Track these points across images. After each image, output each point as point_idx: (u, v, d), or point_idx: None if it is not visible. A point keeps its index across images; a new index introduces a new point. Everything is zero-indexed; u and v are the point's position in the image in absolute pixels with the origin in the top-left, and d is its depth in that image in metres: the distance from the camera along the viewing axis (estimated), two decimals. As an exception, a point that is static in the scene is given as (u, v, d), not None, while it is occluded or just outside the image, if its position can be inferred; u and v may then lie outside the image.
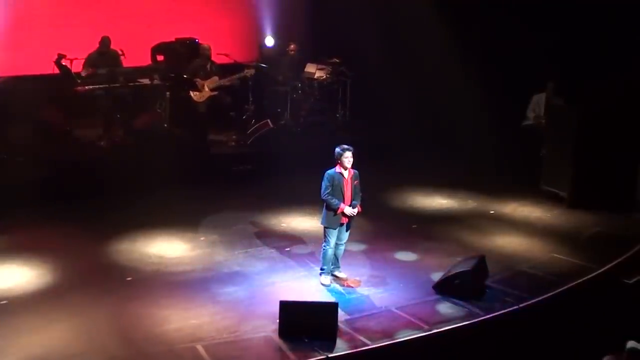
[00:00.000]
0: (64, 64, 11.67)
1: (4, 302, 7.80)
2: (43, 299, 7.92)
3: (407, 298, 8.19)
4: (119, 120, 12.20)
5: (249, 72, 12.74)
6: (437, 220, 10.65)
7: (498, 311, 7.90)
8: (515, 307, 7.99)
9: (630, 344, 6.16)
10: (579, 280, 8.67)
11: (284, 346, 7.10)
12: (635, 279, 8.87)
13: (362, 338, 7.27)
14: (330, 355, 6.94)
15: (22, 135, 11.39)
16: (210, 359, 6.86)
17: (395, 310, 7.89)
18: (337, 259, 8.56)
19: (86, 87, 11.71)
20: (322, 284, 8.42)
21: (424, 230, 10.22)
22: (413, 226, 10.37)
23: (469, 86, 12.95)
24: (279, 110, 13.53)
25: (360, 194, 8.31)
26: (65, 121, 12.06)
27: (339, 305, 7.51)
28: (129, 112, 12.25)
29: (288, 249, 9.46)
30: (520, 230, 10.38)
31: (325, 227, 8.33)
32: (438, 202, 11.48)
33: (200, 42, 13.29)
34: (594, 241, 10.01)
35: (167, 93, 12.31)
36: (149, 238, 9.61)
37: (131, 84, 12.11)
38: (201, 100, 12.47)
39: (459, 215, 10.94)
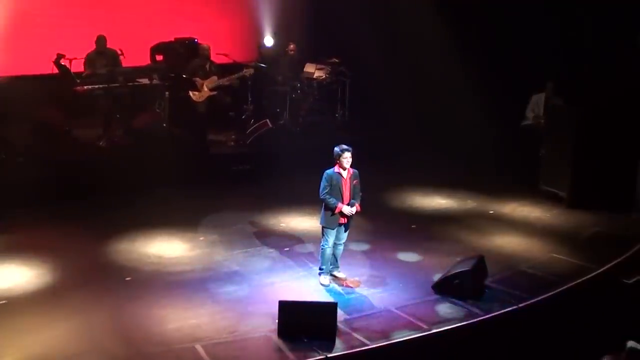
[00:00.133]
0: (63, 63, 11.68)
1: (4, 302, 7.79)
2: (42, 299, 7.91)
3: (406, 298, 8.19)
4: (118, 120, 12.20)
5: (248, 72, 12.74)
6: (436, 220, 10.66)
7: (497, 311, 7.90)
8: (514, 307, 7.99)
9: (630, 344, 6.16)
10: (579, 280, 8.67)
11: (283, 346, 7.09)
12: (634, 279, 8.87)
13: (361, 338, 7.27)
14: (329, 355, 6.94)
15: (21, 135, 11.39)
16: (210, 358, 6.86)
17: (395, 310, 7.89)
18: (336, 259, 8.56)
19: (85, 87, 11.70)
20: (321, 284, 8.42)
21: (424, 230, 10.23)
22: (412, 226, 10.37)
23: (468, 86, 12.94)
24: (278, 110, 13.53)
25: (360, 194, 8.31)
26: (64, 121, 12.05)
27: (338, 305, 7.51)
28: (128, 112, 12.24)
29: (287, 248, 9.46)
30: (519, 230, 10.38)
31: (323, 227, 8.34)
32: (437, 202, 11.49)
33: (199, 42, 13.29)
34: (593, 241, 10.02)
35: (167, 93, 12.29)
36: (148, 238, 9.61)
37: (130, 83, 12.11)
38: (200, 100, 12.46)
39: (458, 215, 10.95)
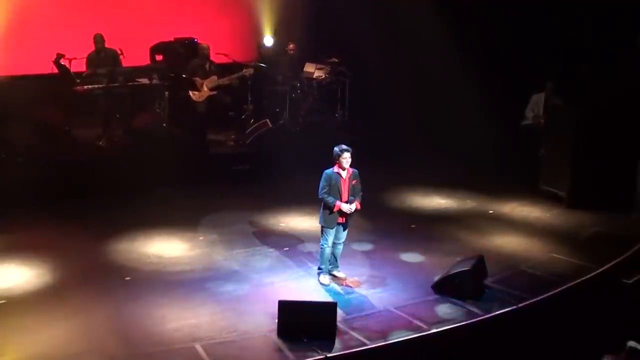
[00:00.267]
0: (62, 63, 11.67)
1: (3, 301, 7.80)
2: (42, 299, 7.91)
3: (406, 298, 8.19)
4: (118, 120, 12.20)
5: (248, 72, 12.73)
6: (436, 220, 10.65)
7: (497, 311, 7.90)
8: (514, 307, 7.99)
9: (630, 344, 6.16)
10: (578, 280, 8.67)
11: (282, 346, 7.09)
12: (634, 279, 8.87)
13: (360, 338, 7.27)
14: (329, 355, 6.93)
15: (21, 135, 11.38)
16: (209, 358, 6.86)
17: (394, 310, 7.89)
18: (336, 259, 8.56)
19: (85, 87, 11.69)
20: (321, 283, 8.42)
21: (423, 230, 10.22)
22: (412, 226, 10.37)
23: (468, 86, 12.94)
24: (277, 109, 13.53)
25: (361, 193, 8.31)
26: (64, 121, 12.04)
27: (338, 305, 7.50)
28: (128, 112, 12.25)
29: (287, 248, 9.45)
30: (519, 230, 10.38)
31: (322, 227, 8.34)
32: (437, 201, 11.49)
33: (199, 41, 13.27)
34: (593, 241, 10.01)
35: (166, 93, 12.29)
36: (148, 237, 9.61)
37: (130, 83, 12.11)
38: (200, 99, 12.46)
39: (458, 215, 10.94)
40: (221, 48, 13.11)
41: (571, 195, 11.15)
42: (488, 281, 8.55)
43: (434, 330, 7.49)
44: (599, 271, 8.94)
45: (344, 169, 8.18)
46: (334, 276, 8.55)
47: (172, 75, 12.57)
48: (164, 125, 12.28)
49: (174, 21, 14.16)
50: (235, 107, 13.22)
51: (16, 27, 12.49)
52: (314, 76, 13.90)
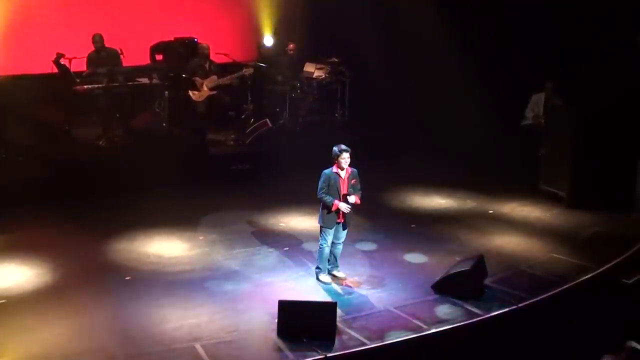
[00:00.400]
0: (62, 63, 11.66)
1: (3, 301, 7.80)
2: (42, 298, 7.91)
3: (405, 298, 8.19)
4: (117, 119, 12.20)
5: (248, 72, 12.73)
6: (436, 220, 10.65)
7: (497, 311, 7.90)
8: (514, 307, 7.99)
9: (630, 344, 6.16)
10: (578, 280, 8.67)
11: (282, 346, 7.09)
12: (634, 279, 8.87)
13: (360, 338, 7.27)
14: (329, 355, 6.93)
15: (21, 134, 11.38)
16: (209, 358, 6.85)
17: (394, 310, 7.89)
18: (336, 259, 8.56)
19: (85, 87, 11.69)
20: (322, 282, 8.43)
21: (423, 230, 10.22)
22: (412, 226, 10.36)
23: (468, 86, 12.93)
24: (277, 109, 13.53)
25: (360, 192, 8.30)
26: (64, 120, 12.05)
27: (338, 304, 7.50)
28: (128, 112, 12.25)
29: (287, 248, 9.45)
30: (519, 230, 10.37)
31: (321, 227, 8.34)
32: (437, 201, 11.48)
33: (199, 41, 13.27)
34: (593, 241, 10.01)
35: (166, 92, 12.29)
36: (148, 237, 9.61)
37: (130, 83, 12.12)
38: (200, 99, 12.46)
39: (458, 215, 10.94)
40: (221, 48, 13.12)
41: (571, 195, 11.14)
42: (488, 281, 8.55)
43: (434, 330, 7.49)
44: (599, 271, 8.93)
45: (342, 169, 8.18)
46: (334, 276, 8.55)
47: (172, 75, 12.56)
48: (164, 125, 12.28)
49: (174, 21, 14.16)
50: (235, 107, 13.22)
51: (16, 27, 12.50)
52: (314, 76, 13.90)
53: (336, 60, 13.85)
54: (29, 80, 12.24)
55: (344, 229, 8.42)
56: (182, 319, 7.55)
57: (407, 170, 12.63)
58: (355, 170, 8.29)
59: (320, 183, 8.18)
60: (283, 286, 8.38)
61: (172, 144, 12.04)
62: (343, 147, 8.16)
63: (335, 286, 8.41)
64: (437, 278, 8.38)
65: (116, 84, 11.90)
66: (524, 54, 13.07)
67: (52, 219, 9.96)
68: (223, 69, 12.85)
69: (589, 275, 8.81)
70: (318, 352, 6.94)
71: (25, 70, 12.49)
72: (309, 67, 14.08)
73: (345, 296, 8.20)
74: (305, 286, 8.41)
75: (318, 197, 8.20)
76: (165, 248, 9.35)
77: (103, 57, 11.98)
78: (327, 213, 8.21)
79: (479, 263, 8.44)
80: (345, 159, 8.12)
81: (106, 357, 6.86)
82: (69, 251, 9.05)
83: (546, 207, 11.23)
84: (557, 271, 8.96)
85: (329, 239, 8.33)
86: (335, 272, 8.58)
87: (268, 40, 15.06)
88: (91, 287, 8.19)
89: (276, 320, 7.29)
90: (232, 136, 13.02)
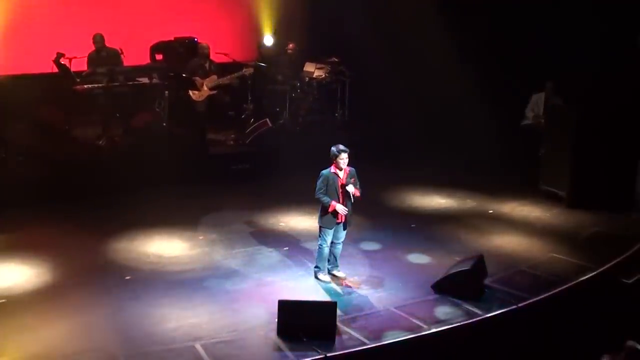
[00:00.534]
0: (62, 62, 11.66)
1: (3, 300, 7.80)
2: (42, 298, 7.91)
3: (405, 297, 8.19)
4: (117, 119, 12.19)
5: (248, 71, 12.74)
6: (436, 220, 10.64)
7: (497, 311, 7.89)
8: (514, 307, 7.99)
9: (630, 343, 6.16)
10: (578, 280, 8.67)
11: (282, 345, 7.09)
12: (634, 279, 8.88)
13: (360, 337, 7.27)
14: (328, 355, 6.93)
15: (21, 134, 11.38)
16: (209, 357, 6.85)
17: (394, 310, 7.88)
18: (336, 258, 8.56)
19: (85, 86, 11.69)
20: (321, 280, 8.43)
21: (423, 229, 10.21)
22: (412, 226, 10.36)
23: (468, 86, 12.94)
24: (277, 109, 13.53)
25: (360, 189, 8.28)
26: (64, 120, 12.04)
27: (338, 304, 7.49)
28: (128, 111, 12.24)
29: (287, 248, 9.45)
30: (519, 229, 10.37)
31: (321, 227, 8.33)
32: (437, 201, 11.48)
33: (199, 41, 13.27)
34: (592, 241, 10.01)
35: (166, 92, 12.29)
36: (148, 237, 9.61)
37: (130, 83, 12.11)
38: (200, 99, 12.45)
39: (458, 214, 10.94)
40: (221, 47, 13.12)
41: (571, 195, 11.14)
42: (488, 281, 8.54)
43: (434, 330, 7.48)
44: (599, 271, 8.93)
45: (341, 169, 8.16)
46: (334, 276, 8.55)
47: (172, 74, 12.56)
48: (164, 124, 12.28)
49: (174, 21, 14.17)
50: (235, 107, 13.24)
51: (16, 26, 12.50)
52: (314, 76, 13.90)
53: (336, 60, 13.86)
54: (29, 79, 12.24)
55: (344, 229, 8.41)
56: (182, 318, 7.54)
57: (407, 170, 12.62)
58: (352, 169, 8.27)
59: (318, 183, 8.17)
60: (283, 286, 8.38)
61: (172, 143, 12.04)
62: (341, 147, 8.15)
63: (335, 286, 8.41)
64: (437, 278, 8.38)
65: (116, 84, 11.90)
66: (524, 54, 13.07)
67: (52, 219, 9.97)
68: (223, 69, 12.85)
69: (589, 275, 8.81)
70: (318, 352, 6.94)
71: (25, 70, 12.50)
72: (309, 67, 14.09)
73: (345, 296, 8.20)
74: (305, 286, 8.41)
75: (316, 197, 8.19)
76: (165, 247, 9.35)
77: (103, 56, 11.99)
78: (327, 214, 8.21)
79: (479, 263, 8.44)
80: (343, 159, 8.10)
81: (106, 356, 6.86)
82: (69, 251, 9.04)
83: (546, 207, 11.22)
84: (557, 271, 8.96)
85: (329, 239, 8.33)
86: (335, 272, 8.57)
87: (268, 40, 15.05)
88: (91, 287, 8.19)
89: (276, 320, 7.28)
90: (232, 136, 13.02)
